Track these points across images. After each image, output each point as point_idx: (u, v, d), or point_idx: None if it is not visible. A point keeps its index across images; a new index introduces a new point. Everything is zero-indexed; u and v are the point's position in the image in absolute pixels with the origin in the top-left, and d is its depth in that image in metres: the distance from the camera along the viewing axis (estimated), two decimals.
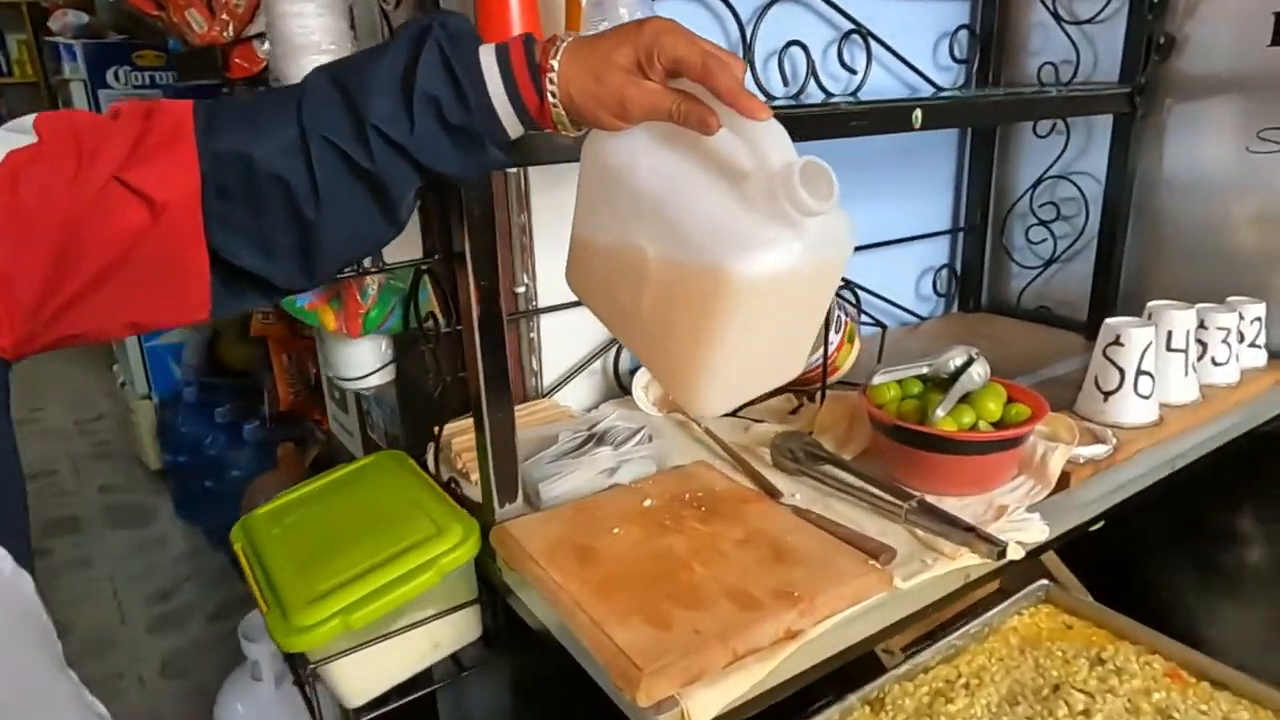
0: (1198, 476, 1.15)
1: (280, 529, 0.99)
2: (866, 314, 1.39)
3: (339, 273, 0.79)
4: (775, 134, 0.60)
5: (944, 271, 1.73)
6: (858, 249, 1.47)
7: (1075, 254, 1.62)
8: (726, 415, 1.22)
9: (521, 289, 1.21)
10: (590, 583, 0.76)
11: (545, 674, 0.95)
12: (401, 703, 0.93)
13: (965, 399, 0.98)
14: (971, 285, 1.74)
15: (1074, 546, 1.08)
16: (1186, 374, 1.16)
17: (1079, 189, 1.57)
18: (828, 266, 0.65)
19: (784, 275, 0.61)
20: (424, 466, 1.07)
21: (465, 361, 0.87)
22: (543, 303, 1.23)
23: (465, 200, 0.79)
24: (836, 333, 1.21)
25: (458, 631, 0.95)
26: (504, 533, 0.86)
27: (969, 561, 0.85)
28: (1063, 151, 1.57)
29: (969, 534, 0.86)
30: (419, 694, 0.94)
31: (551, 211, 1.20)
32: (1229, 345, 1.23)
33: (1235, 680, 0.81)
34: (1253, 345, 1.28)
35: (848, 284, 1.51)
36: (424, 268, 0.95)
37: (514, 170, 1.15)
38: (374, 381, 1.06)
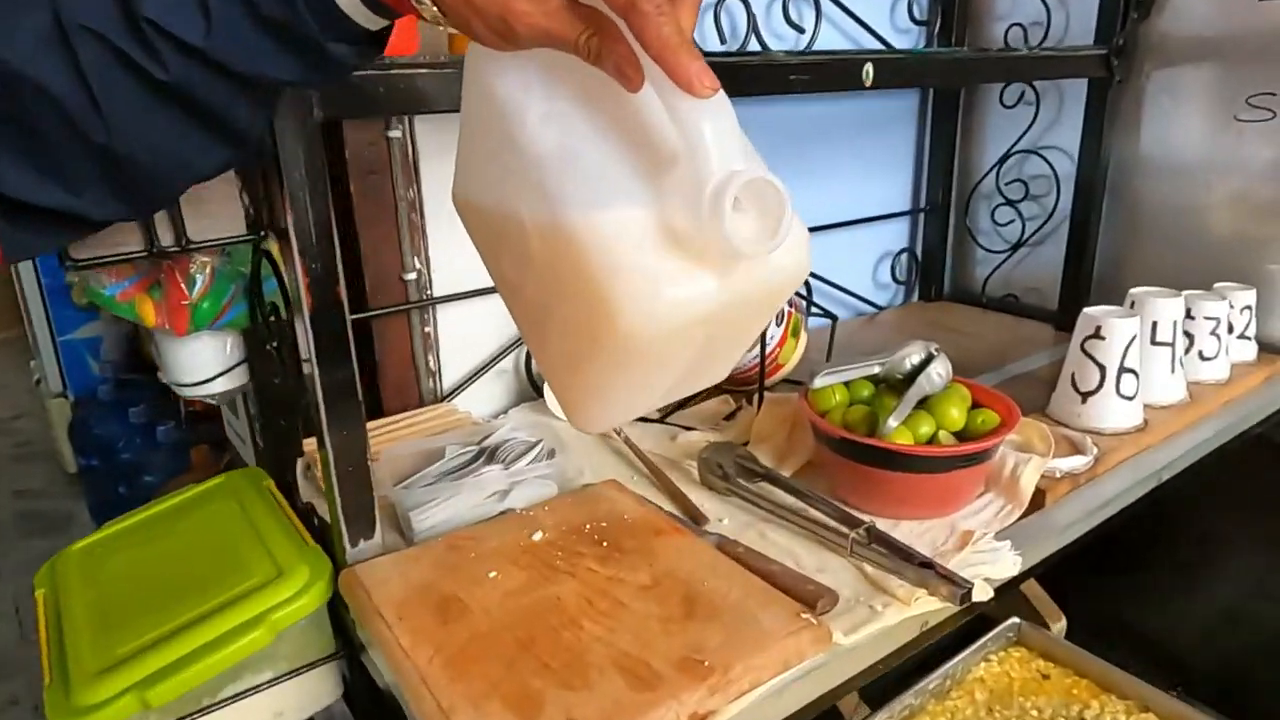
0: (1184, 485, 1.01)
1: (96, 570, 0.81)
2: (816, 305, 1.23)
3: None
4: (719, 119, 0.41)
5: (903, 257, 1.58)
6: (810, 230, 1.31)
7: (1045, 237, 1.47)
8: (653, 421, 1.06)
9: (412, 276, 1.03)
10: (446, 651, 0.60)
11: None
12: None
13: (923, 404, 0.83)
14: (933, 272, 1.59)
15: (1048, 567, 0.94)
16: (1173, 370, 1.02)
17: (1050, 165, 1.42)
18: (770, 295, 0.48)
19: (698, 318, 0.44)
20: (286, 488, 0.90)
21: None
22: (439, 291, 1.05)
23: (283, 157, 0.61)
24: (779, 326, 1.05)
25: (309, 696, 0.77)
26: (353, 578, 0.69)
27: (927, 607, 0.69)
28: (1031, 123, 1.42)
29: (927, 571, 0.70)
30: None
31: (447, 183, 1.02)
32: (1218, 337, 1.09)
33: None
34: (1242, 337, 1.15)
35: None
36: (264, 248, 0.77)
37: (397, 133, 0.98)
38: (218, 388, 0.88)
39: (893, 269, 1.58)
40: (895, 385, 0.86)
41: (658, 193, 0.43)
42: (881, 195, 1.53)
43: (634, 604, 0.65)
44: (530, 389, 1.14)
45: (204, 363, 0.86)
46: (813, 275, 1.37)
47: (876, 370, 0.86)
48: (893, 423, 0.78)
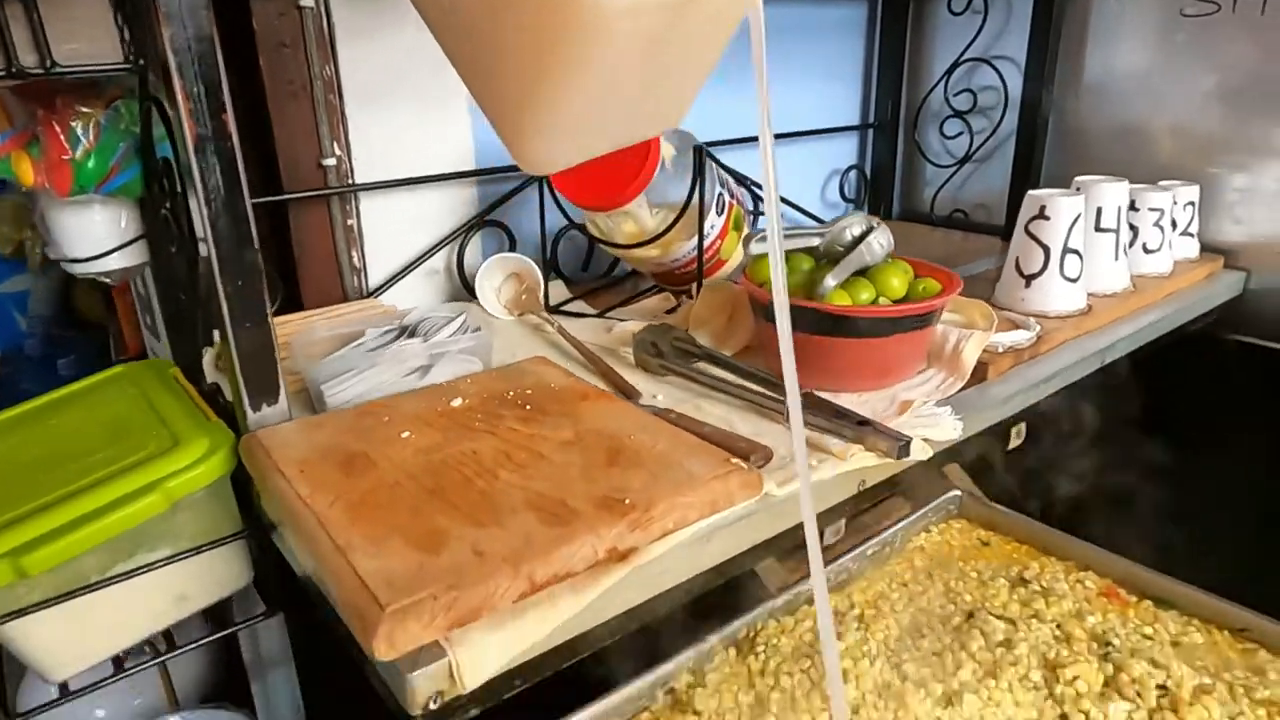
0: (1125, 376, 1.00)
1: None
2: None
3: None
4: None
5: (852, 174, 1.55)
6: (751, 140, 1.27)
7: (992, 152, 1.46)
8: (588, 316, 1.02)
9: (331, 161, 0.97)
10: (347, 498, 0.55)
11: (322, 640, 0.74)
12: (125, 676, 0.70)
13: (863, 273, 0.80)
14: (882, 190, 1.56)
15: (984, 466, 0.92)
16: (1117, 258, 1.01)
17: (999, 74, 1.40)
18: (719, 14, 0.45)
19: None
20: (195, 379, 0.84)
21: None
22: (362, 179, 0.99)
23: None
24: (720, 214, 1.01)
25: (214, 578, 0.72)
26: (253, 441, 0.64)
27: (864, 463, 0.66)
28: (979, 31, 1.39)
29: (864, 429, 0.67)
30: (149, 663, 0.72)
31: (367, 63, 0.97)
32: (1161, 230, 1.08)
33: (1184, 597, 0.66)
34: (1185, 234, 1.14)
35: (743, 180, 1.31)
36: (153, 96, 0.70)
37: (310, 2, 0.91)
38: (113, 264, 0.81)
39: (841, 187, 1.55)
40: (835, 258, 0.82)
41: None
42: (829, 109, 1.49)
43: (554, 456, 0.61)
44: (464, 290, 1.09)
45: (97, 236, 0.79)
46: (755, 184, 1.34)
47: (816, 242, 0.83)
48: (830, 282, 0.74)
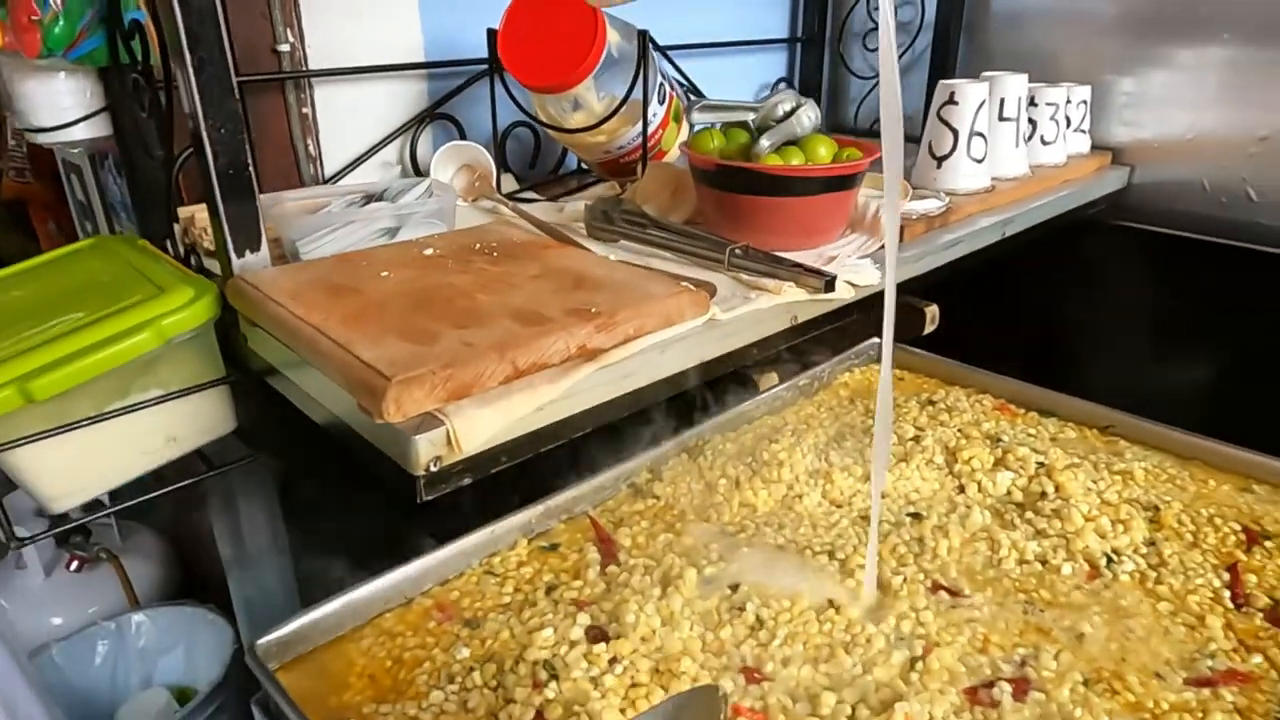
0: (1022, 255, 1.12)
1: None
2: None
3: None
4: None
5: (780, 86, 1.63)
6: (687, 48, 1.33)
7: (911, 65, 1.55)
8: (540, 201, 1.08)
9: (285, 47, 0.99)
10: (339, 314, 0.61)
11: (313, 472, 0.80)
12: (120, 508, 0.75)
13: (794, 144, 0.88)
14: None
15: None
16: (1017, 145, 1.12)
17: None
18: None
19: None
20: (164, 250, 0.87)
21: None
22: (316, 65, 1.02)
23: None
24: (661, 104, 1.08)
25: (202, 422, 0.77)
26: (240, 282, 0.69)
27: (795, 297, 0.75)
28: None
29: (795, 269, 0.76)
30: (143, 498, 0.77)
31: None
32: (1057, 124, 1.19)
33: (1062, 405, 0.77)
34: (1079, 130, 1.26)
35: (678, 73, 1.38)
36: None
37: None
38: (78, 134, 0.83)
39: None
40: (768, 131, 0.90)
41: None
42: (760, 23, 1.56)
43: (525, 285, 0.68)
44: (415, 176, 1.13)
45: (62, 104, 0.81)
46: (699, 93, 1.41)
47: (752, 116, 0.90)
48: (764, 143, 0.83)
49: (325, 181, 1.07)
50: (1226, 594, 0.54)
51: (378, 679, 0.49)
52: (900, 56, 1.54)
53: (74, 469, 0.71)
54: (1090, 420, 0.75)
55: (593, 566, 0.57)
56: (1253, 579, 0.56)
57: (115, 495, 0.75)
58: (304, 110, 1.04)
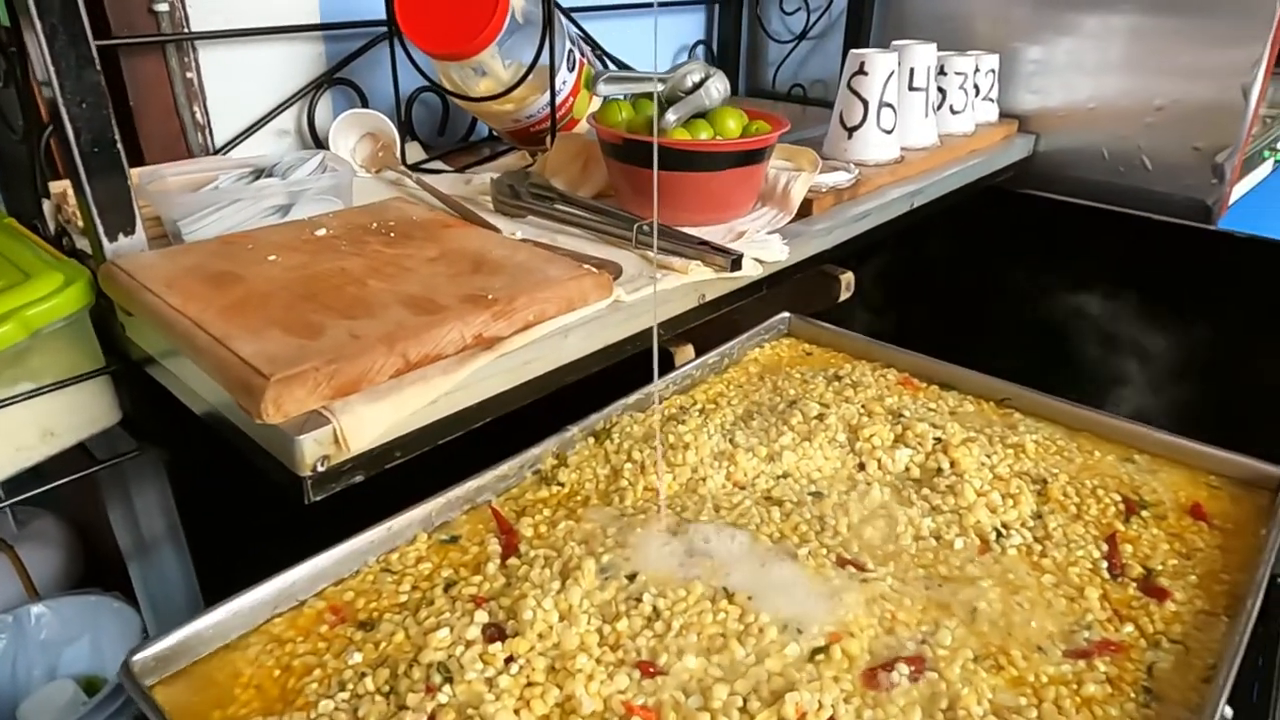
0: (933, 223, 1.14)
1: None
2: None
3: None
4: None
5: (699, 49, 1.61)
6: (600, 9, 1.30)
7: (828, 29, 1.55)
8: (447, 172, 1.05)
9: (163, 6, 0.93)
10: (218, 305, 0.58)
11: (199, 462, 0.77)
12: (10, 502, 0.71)
13: (703, 117, 0.87)
14: (728, 65, 1.63)
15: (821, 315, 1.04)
16: (926, 115, 1.13)
17: None
18: None
19: None
20: (34, 229, 0.81)
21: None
22: (199, 26, 0.96)
23: None
24: (571, 71, 1.05)
25: (81, 415, 0.73)
26: (113, 268, 0.64)
27: (701, 276, 0.75)
28: None
29: (702, 248, 0.76)
30: (16, 499, 0.73)
31: None
32: (965, 93, 1.21)
33: (961, 379, 0.79)
34: (986, 99, 1.28)
35: (588, 38, 1.34)
36: None
37: None
38: None
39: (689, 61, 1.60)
40: (677, 103, 0.89)
41: None
42: None
43: (420, 270, 0.65)
44: (314, 146, 1.08)
45: None
46: (611, 58, 1.38)
47: (660, 87, 0.88)
48: (671, 117, 0.81)
49: (215, 152, 1.01)
50: (1104, 565, 0.57)
51: (265, 689, 0.47)
52: (816, 22, 1.54)
53: None
54: (988, 393, 0.77)
55: (493, 560, 0.56)
56: (1129, 549, 0.58)
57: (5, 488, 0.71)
58: (188, 75, 0.97)
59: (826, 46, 1.57)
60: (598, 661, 0.47)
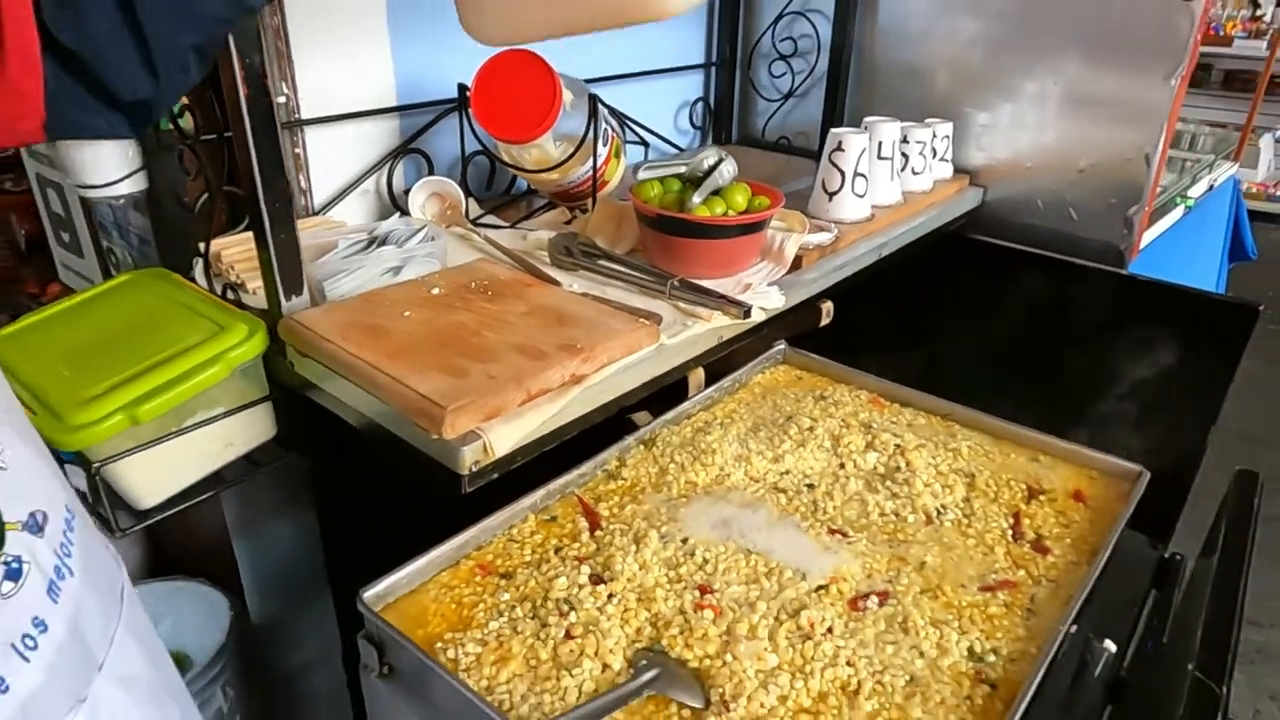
0: (899, 266, 1.39)
1: (22, 351, 0.92)
2: (633, 139, 1.47)
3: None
4: None
5: (699, 105, 1.85)
6: (620, 77, 1.54)
7: (809, 89, 1.80)
8: (505, 228, 1.28)
9: (281, 99, 1.15)
10: (385, 351, 0.81)
11: (341, 467, 1.00)
12: (195, 501, 0.93)
13: (717, 193, 1.11)
14: (724, 118, 1.88)
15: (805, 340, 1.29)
16: (892, 179, 1.38)
17: (813, 25, 1.73)
18: None
19: None
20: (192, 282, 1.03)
21: (231, 167, 0.84)
22: (307, 114, 1.19)
23: None
24: (604, 146, 1.29)
25: (251, 430, 0.96)
26: (292, 322, 0.87)
27: (721, 323, 0.99)
28: None
29: (721, 300, 1.00)
30: (212, 492, 0.95)
31: (311, 5, 1.14)
32: (924, 157, 1.46)
33: (916, 399, 1.04)
34: (943, 160, 1.54)
35: (615, 112, 1.58)
36: None
37: None
38: (122, 190, 0.98)
39: (690, 116, 1.85)
40: (696, 180, 1.13)
41: None
42: (681, 50, 1.78)
43: (519, 322, 0.89)
44: (391, 207, 1.31)
45: (109, 166, 0.96)
46: (625, 117, 1.62)
47: (683, 169, 1.13)
48: (696, 199, 1.05)
49: (315, 213, 1.24)
50: (1009, 532, 0.82)
51: (447, 616, 0.71)
52: (801, 83, 1.79)
53: (158, 474, 0.89)
54: (935, 410, 1.02)
55: (584, 532, 0.80)
56: (1028, 521, 0.83)
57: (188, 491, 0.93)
58: (296, 151, 1.20)
59: (808, 102, 1.81)
60: (669, 589, 0.71)
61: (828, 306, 1.40)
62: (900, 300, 1.64)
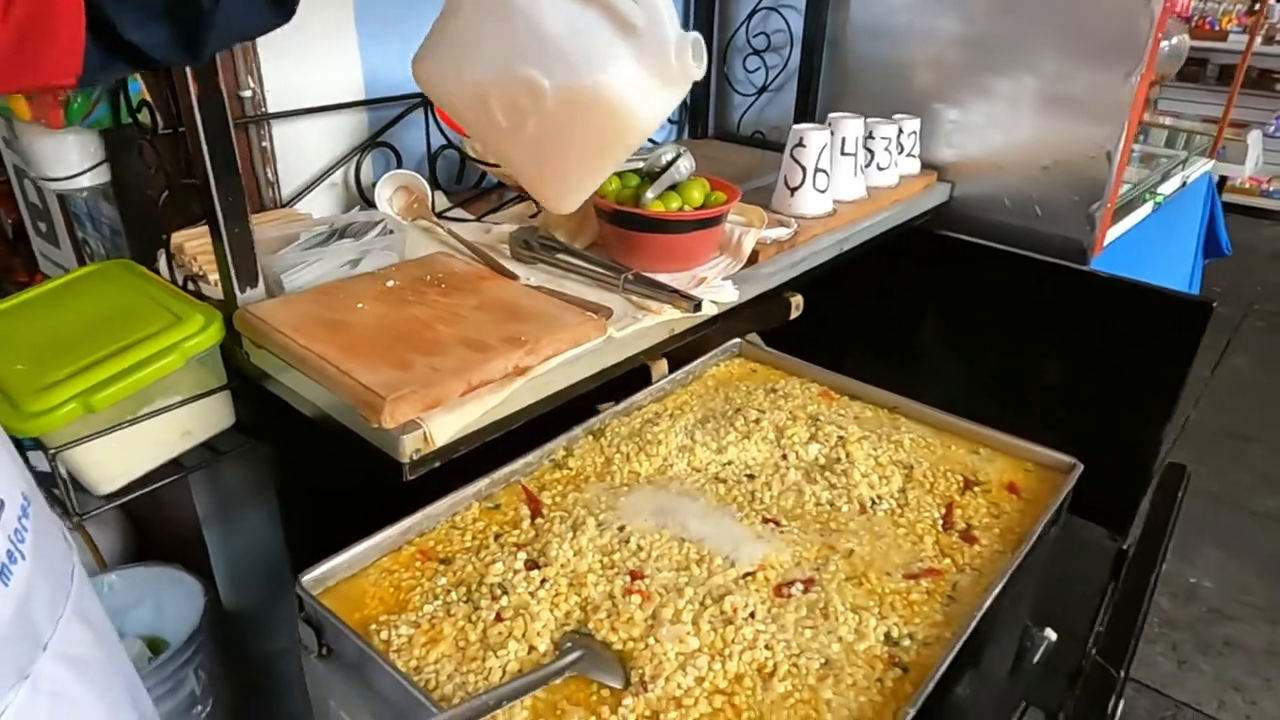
0: (865, 261, 1.41)
1: None
2: None
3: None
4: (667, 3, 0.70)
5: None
6: None
7: (783, 84, 1.81)
8: (470, 221, 1.30)
9: (248, 93, 1.17)
10: (336, 344, 0.83)
11: (300, 455, 1.02)
12: (153, 488, 0.95)
13: (674, 188, 1.13)
14: (699, 113, 1.90)
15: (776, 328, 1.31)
16: (855, 174, 1.40)
17: (785, 20, 1.74)
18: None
19: (657, 120, 0.74)
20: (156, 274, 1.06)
21: (189, 162, 0.86)
22: (273, 108, 1.20)
23: None
24: None
25: (209, 419, 0.98)
26: (247, 314, 0.89)
27: (672, 316, 1.01)
28: None
29: (672, 294, 1.02)
30: (170, 479, 0.97)
31: None
32: (890, 153, 1.48)
33: (864, 392, 1.06)
34: (910, 155, 1.55)
35: None
36: None
37: None
38: (85, 182, 1.00)
39: None
40: (654, 176, 1.15)
41: (636, 51, 0.70)
42: None
43: (471, 315, 0.91)
44: (360, 199, 1.33)
45: (72, 158, 0.98)
46: None
47: (641, 165, 1.15)
48: (650, 195, 1.07)
49: (283, 205, 1.26)
50: (940, 522, 0.84)
51: (384, 599, 0.73)
52: (775, 78, 1.81)
53: (116, 461, 0.91)
54: (883, 403, 1.05)
55: (525, 520, 0.82)
56: (960, 512, 0.86)
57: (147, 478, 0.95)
58: (264, 144, 1.22)
59: (783, 97, 1.83)
60: (600, 575, 0.74)
61: (797, 300, 1.42)
62: (870, 294, 1.66)
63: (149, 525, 1.64)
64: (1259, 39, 4.68)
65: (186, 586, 1.45)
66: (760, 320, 1.47)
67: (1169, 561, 2.29)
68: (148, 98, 0.94)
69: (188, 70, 0.81)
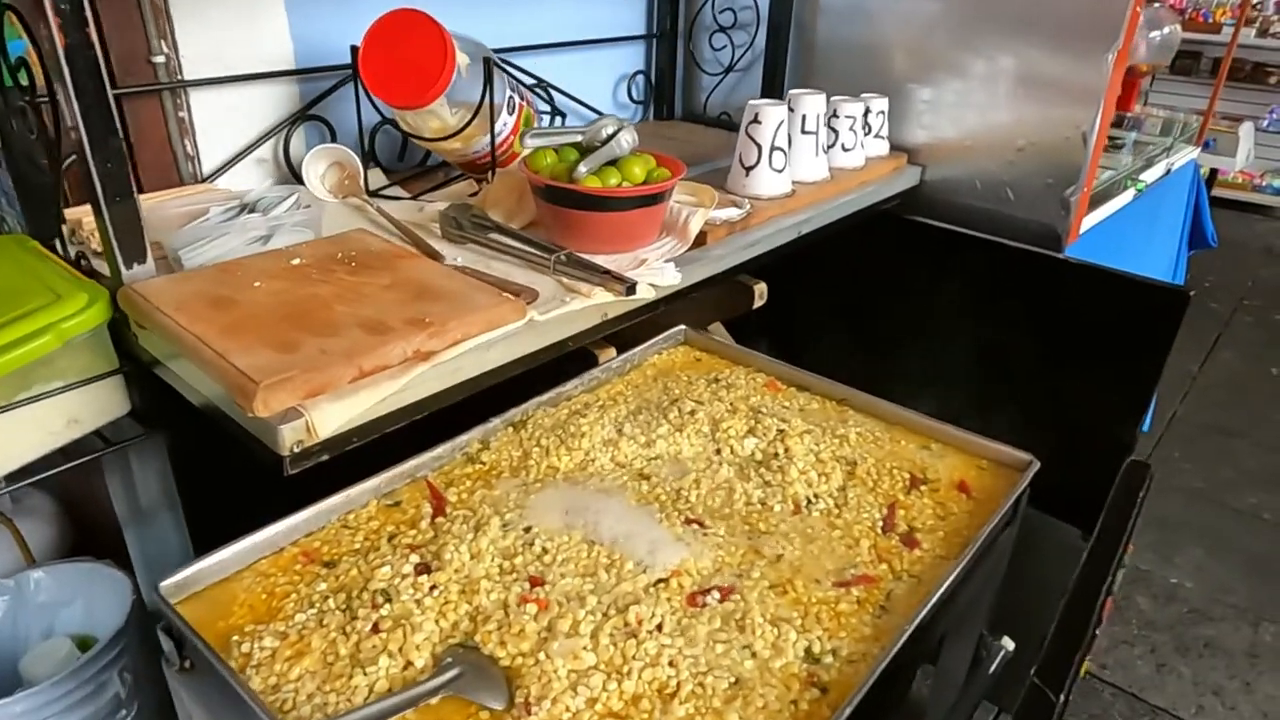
0: (829, 245, 1.34)
1: None
2: (561, 115, 1.42)
3: None
4: None
5: (639, 78, 1.79)
6: (555, 45, 1.48)
7: (750, 64, 1.74)
8: (405, 199, 1.23)
9: (160, 59, 1.09)
10: (218, 324, 0.76)
11: (199, 446, 0.94)
12: (33, 480, 0.88)
13: (614, 164, 1.05)
14: (665, 93, 1.82)
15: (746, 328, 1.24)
16: (817, 154, 1.32)
17: None
18: None
19: None
20: (52, 249, 0.98)
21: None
22: (191, 75, 1.13)
23: None
24: (511, 114, 1.23)
25: (98, 406, 0.90)
26: (131, 291, 0.82)
27: (604, 299, 0.94)
28: None
29: (604, 276, 0.95)
30: (53, 471, 0.90)
31: None
32: (855, 133, 1.40)
33: (812, 383, 0.99)
34: (878, 136, 1.48)
35: (540, 82, 1.52)
36: (9, 5, 0.83)
37: None
38: None
39: (630, 89, 1.79)
40: (594, 151, 1.07)
41: None
42: (619, 21, 1.71)
43: (376, 295, 0.84)
44: (291, 176, 1.25)
45: None
46: (556, 89, 1.56)
47: (579, 139, 1.07)
48: (582, 169, 1.00)
49: (204, 180, 1.18)
50: (880, 524, 0.77)
51: (254, 608, 0.66)
52: (741, 57, 1.73)
53: None
54: (831, 394, 0.98)
55: (425, 518, 0.75)
56: (903, 513, 0.79)
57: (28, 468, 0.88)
58: (180, 115, 1.14)
59: (750, 78, 1.76)
60: (496, 582, 0.67)
61: (761, 288, 1.35)
62: (838, 281, 1.59)
63: (81, 519, 1.57)
64: (1253, 32, 4.62)
65: (116, 583, 1.37)
66: (721, 309, 1.40)
67: (1149, 562, 2.21)
68: (30, 54, 0.86)
69: (53, 20, 0.73)
